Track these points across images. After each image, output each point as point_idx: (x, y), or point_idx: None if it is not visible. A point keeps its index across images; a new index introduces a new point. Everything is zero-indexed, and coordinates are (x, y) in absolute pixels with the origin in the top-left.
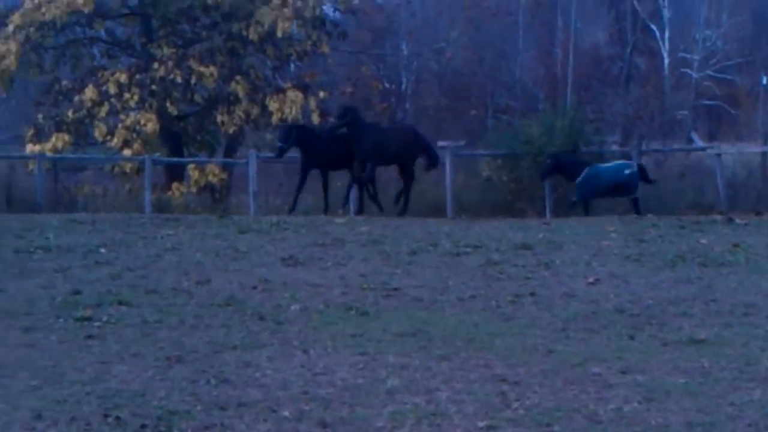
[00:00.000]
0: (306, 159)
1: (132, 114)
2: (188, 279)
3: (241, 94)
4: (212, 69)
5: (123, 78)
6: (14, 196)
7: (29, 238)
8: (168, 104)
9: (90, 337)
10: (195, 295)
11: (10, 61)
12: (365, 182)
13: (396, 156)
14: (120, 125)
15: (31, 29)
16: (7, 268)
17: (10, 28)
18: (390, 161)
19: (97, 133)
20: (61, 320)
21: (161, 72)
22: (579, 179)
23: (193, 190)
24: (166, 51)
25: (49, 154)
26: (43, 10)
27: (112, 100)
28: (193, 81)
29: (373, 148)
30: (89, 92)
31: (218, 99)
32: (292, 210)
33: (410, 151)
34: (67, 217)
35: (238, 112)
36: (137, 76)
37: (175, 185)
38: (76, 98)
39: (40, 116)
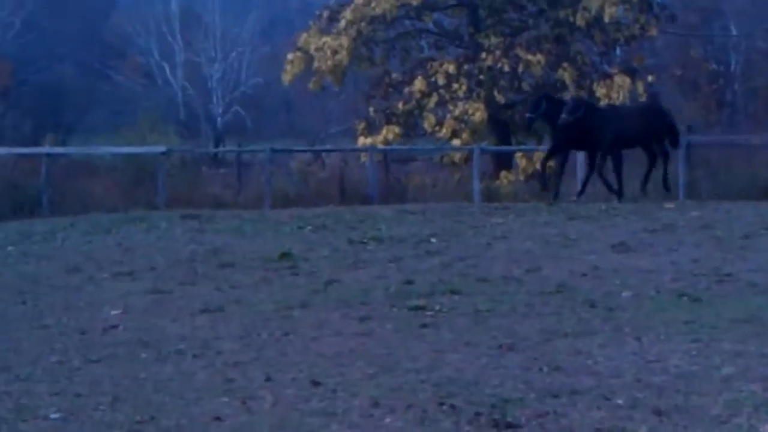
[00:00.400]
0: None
1: (460, 104)
2: (518, 267)
3: (568, 81)
4: (539, 57)
5: (451, 68)
6: (347, 188)
7: (362, 229)
8: (495, 93)
9: (424, 325)
10: (525, 283)
11: (343, 56)
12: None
13: (638, 138)
14: (448, 115)
15: (362, 24)
16: (342, 258)
17: (342, 23)
18: (633, 144)
19: (426, 124)
20: (395, 309)
21: (489, 61)
22: None
23: (521, 178)
24: (494, 40)
25: (380, 146)
26: (374, 4)
27: (441, 90)
28: (520, 69)
29: (613, 134)
30: (418, 84)
31: (545, 86)
32: (555, 196)
33: (655, 132)
34: (398, 208)
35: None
36: (465, 66)
37: (503, 174)
38: (406, 90)
39: (371, 109)
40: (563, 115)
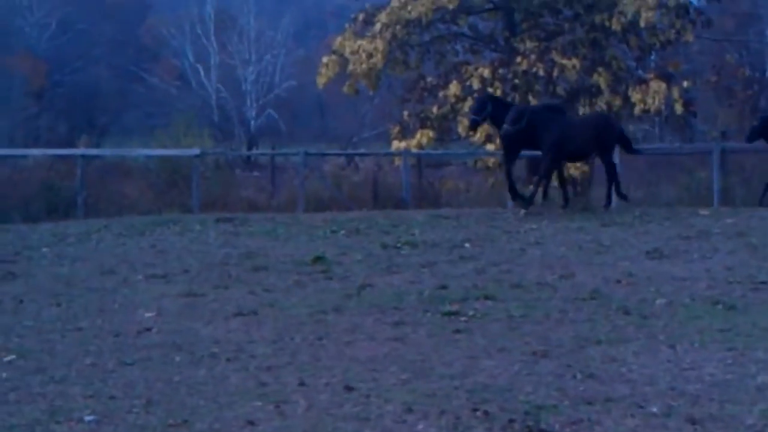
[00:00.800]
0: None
1: None
2: (552, 273)
3: (603, 86)
4: (574, 61)
5: (486, 73)
6: (381, 192)
7: (396, 234)
8: (530, 97)
9: (457, 331)
10: (559, 289)
11: (378, 59)
12: (543, 176)
13: (583, 148)
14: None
15: (398, 27)
16: (375, 263)
17: (377, 26)
18: (577, 154)
19: (460, 129)
20: (428, 314)
21: (524, 65)
22: None
23: (555, 183)
24: (529, 44)
25: (414, 150)
26: (409, 8)
27: (476, 94)
28: (555, 74)
29: (556, 141)
30: (453, 88)
31: (580, 91)
32: (529, 201)
33: (602, 142)
34: (432, 213)
35: (600, 103)
36: (500, 71)
37: (536, 179)
38: (440, 94)
39: (405, 113)
40: (505, 126)
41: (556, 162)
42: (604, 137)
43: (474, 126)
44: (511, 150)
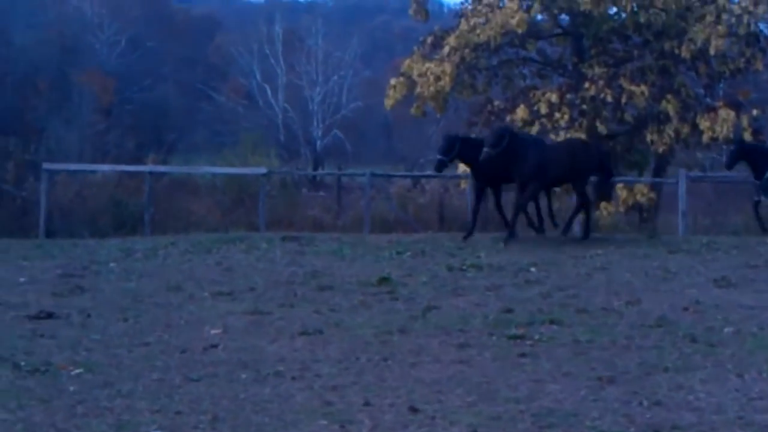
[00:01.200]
0: (474, 175)
1: (562, 133)
2: (618, 299)
3: (671, 113)
4: (643, 88)
5: (554, 97)
6: (446, 215)
7: (461, 256)
8: (598, 123)
9: (523, 355)
10: (625, 316)
11: (445, 82)
12: (523, 205)
13: (562, 175)
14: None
15: (466, 50)
16: (441, 285)
17: (446, 49)
18: (556, 181)
19: None
20: (494, 338)
21: (592, 91)
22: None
23: (621, 209)
24: (597, 70)
25: None
26: (478, 31)
27: (543, 119)
28: (623, 100)
29: (534, 167)
30: (520, 112)
31: (648, 118)
32: (468, 234)
33: (580, 169)
34: (498, 236)
35: (668, 131)
36: (568, 96)
37: (603, 205)
38: (508, 118)
39: (472, 136)
40: (486, 149)
41: (537, 191)
42: (581, 164)
43: (441, 167)
44: (485, 178)
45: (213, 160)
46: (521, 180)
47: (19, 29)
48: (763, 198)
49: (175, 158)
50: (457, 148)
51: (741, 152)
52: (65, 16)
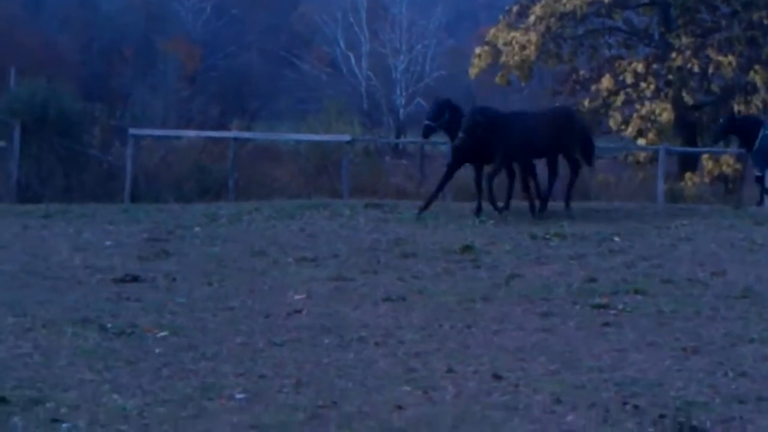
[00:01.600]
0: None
1: (647, 103)
2: (703, 270)
3: (758, 84)
4: (730, 58)
5: (640, 67)
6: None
7: (545, 225)
8: (684, 94)
9: (606, 324)
10: (710, 286)
11: (530, 51)
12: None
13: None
14: (635, 115)
15: (552, 20)
16: (524, 253)
17: (532, 19)
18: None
19: (611, 123)
20: (577, 307)
21: (678, 61)
22: (755, 147)
23: (706, 180)
24: (684, 40)
25: None
26: (564, 1)
27: (628, 89)
28: (710, 70)
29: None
30: (606, 82)
31: (735, 88)
32: (426, 206)
33: (559, 141)
34: (581, 205)
35: (756, 101)
36: (654, 66)
37: (687, 175)
38: (593, 87)
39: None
40: (460, 134)
41: (506, 164)
42: (566, 133)
43: (428, 133)
44: (457, 161)
45: (296, 127)
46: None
47: None
48: (756, 171)
49: (258, 125)
50: (446, 114)
51: (730, 125)
52: None
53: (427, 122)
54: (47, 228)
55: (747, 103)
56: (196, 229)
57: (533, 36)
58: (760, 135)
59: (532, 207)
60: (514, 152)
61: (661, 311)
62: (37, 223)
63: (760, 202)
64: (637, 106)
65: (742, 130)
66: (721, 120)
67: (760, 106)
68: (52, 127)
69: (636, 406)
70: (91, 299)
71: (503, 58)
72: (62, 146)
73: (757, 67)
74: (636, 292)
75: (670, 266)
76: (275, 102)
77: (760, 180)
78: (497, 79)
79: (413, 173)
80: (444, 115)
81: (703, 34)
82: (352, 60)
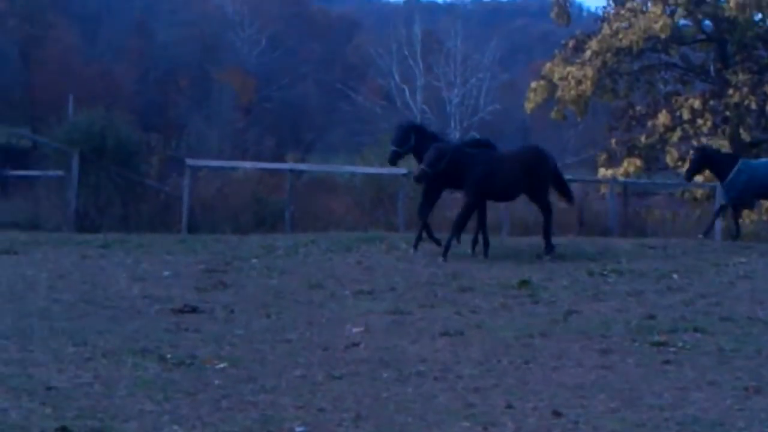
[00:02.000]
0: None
1: (704, 139)
2: (763, 308)
3: None
4: None
5: (696, 104)
6: (586, 219)
7: (602, 261)
8: (741, 130)
9: (666, 362)
10: None
11: (587, 86)
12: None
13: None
14: (692, 151)
15: (608, 55)
16: (581, 289)
17: (588, 53)
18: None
19: (668, 159)
20: (636, 344)
21: (735, 98)
22: (729, 177)
23: (764, 217)
24: (741, 77)
25: (620, 178)
26: (620, 36)
27: (685, 125)
28: (767, 107)
29: (479, 179)
30: (662, 117)
31: None
32: (446, 248)
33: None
34: (638, 242)
35: None
36: (711, 102)
37: (745, 212)
38: (649, 123)
39: (613, 141)
40: (422, 167)
41: (477, 203)
42: (537, 174)
43: (394, 159)
44: (429, 192)
45: (351, 159)
46: (465, 191)
47: (161, 27)
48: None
49: (312, 157)
50: (411, 139)
51: (703, 159)
52: (207, 15)
53: (393, 148)
54: (105, 258)
55: None
56: (254, 260)
57: (589, 71)
58: (735, 169)
59: (474, 242)
60: (476, 192)
61: (722, 349)
62: (96, 253)
63: (707, 232)
64: (694, 143)
65: (715, 162)
66: (692, 155)
67: None
68: (110, 156)
69: None
70: (151, 329)
71: (559, 93)
72: (120, 176)
73: None
74: (695, 330)
75: (729, 304)
76: (329, 134)
77: (721, 209)
78: (553, 114)
79: None
80: (410, 140)
81: (760, 70)
82: (407, 93)
